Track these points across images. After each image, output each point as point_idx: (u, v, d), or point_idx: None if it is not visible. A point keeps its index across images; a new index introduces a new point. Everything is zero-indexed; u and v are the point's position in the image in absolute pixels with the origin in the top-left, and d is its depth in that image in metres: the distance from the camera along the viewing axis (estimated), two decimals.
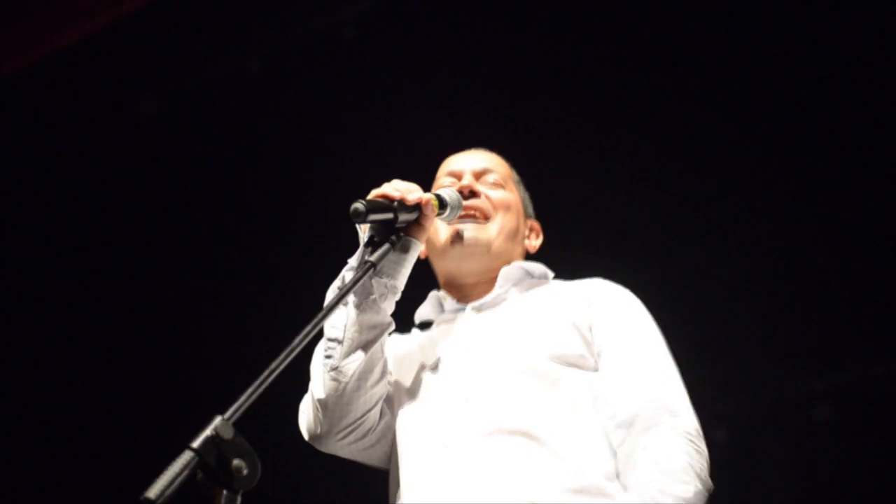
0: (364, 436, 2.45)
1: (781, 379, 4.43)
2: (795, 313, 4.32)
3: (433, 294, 2.75)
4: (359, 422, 2.42)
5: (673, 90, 4.33)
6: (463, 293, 2.70)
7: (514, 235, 2.73)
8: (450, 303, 2.70)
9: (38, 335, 5.48)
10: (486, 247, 2.65)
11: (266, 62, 4.88)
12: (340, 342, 2.37)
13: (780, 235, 4.33)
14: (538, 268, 2.73)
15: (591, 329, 2.48)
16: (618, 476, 2.27)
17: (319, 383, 2.40)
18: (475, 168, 2.76)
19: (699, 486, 2.20)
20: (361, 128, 4.77)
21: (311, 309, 2.03)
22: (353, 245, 2.45)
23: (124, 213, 5.31)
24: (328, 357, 2.38)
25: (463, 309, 2.65)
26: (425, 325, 2.76)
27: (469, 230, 2.64)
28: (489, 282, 2.67)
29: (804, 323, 4.31)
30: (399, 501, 2.39)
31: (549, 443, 2.28)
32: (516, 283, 2.68)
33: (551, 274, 2.75)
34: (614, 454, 2.30)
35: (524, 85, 4.52)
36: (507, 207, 2.71)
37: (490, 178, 2.76)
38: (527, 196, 2.88)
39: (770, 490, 4.32)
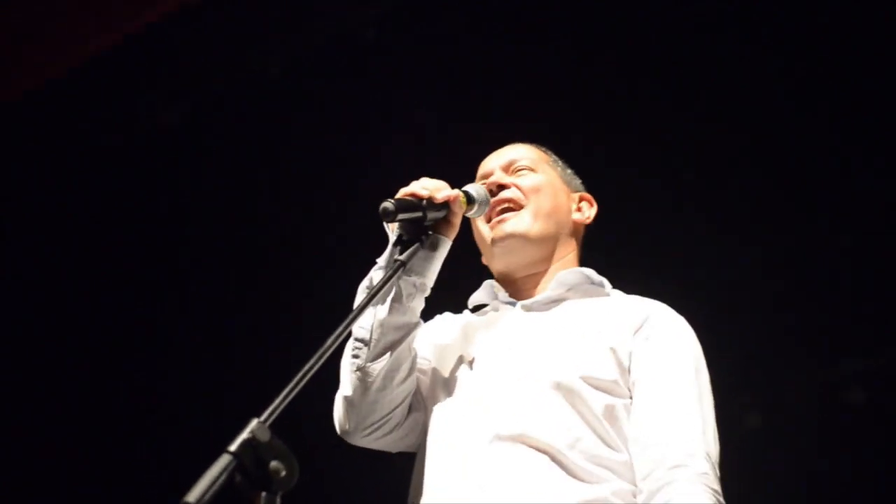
0: (391, 431, 2.46)
1: (814, 363, 4.42)
2: (828, 297, 4.30)
3: (487, 283, 2.69)
4: (385, 419, 2.43)
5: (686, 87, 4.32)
6: (516, 287, 2.65)
7: (553, 213, 2.64)
8: (503, 295, 2.64)
9: (70, 342, 5.52)
10: (524, 237, 2.59)
11: (285, 66, 4.89)
12: (367, 343, 2.38)
13: (812, 217, 4.32)
14: (596, 276, 2.63)
15: (630, 356, 2.40)
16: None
17: (347, 381, 2.42)
18: (502, 163, 2.72)
19: None
20: (383, 129, 4.78)
21: (341, 310, 2.05)
22: (379, 246, 2.45)
23: (152, 217, 5.34)
24: (355, 357, 2.40)
25: (514, 304, 2.60)
26: (477, 308, 2.72)
27: (503, 226, 2.59)
28: (541, 275, 2.62)
29: (837, 306, 4.30)
30: (412, 499, 2.41)
31: (556, 457, 2.25)
32: (572, 287, 2.59)
33: (608, 285, 2.64)
34: (629, 483, 2.27)
35: (546, 85, 4.51)
36: (537, 190, 2.64)
37: (518, 166, 2.70)
38: (568, 171, 2.79)
39: (804, 474, 4.32)
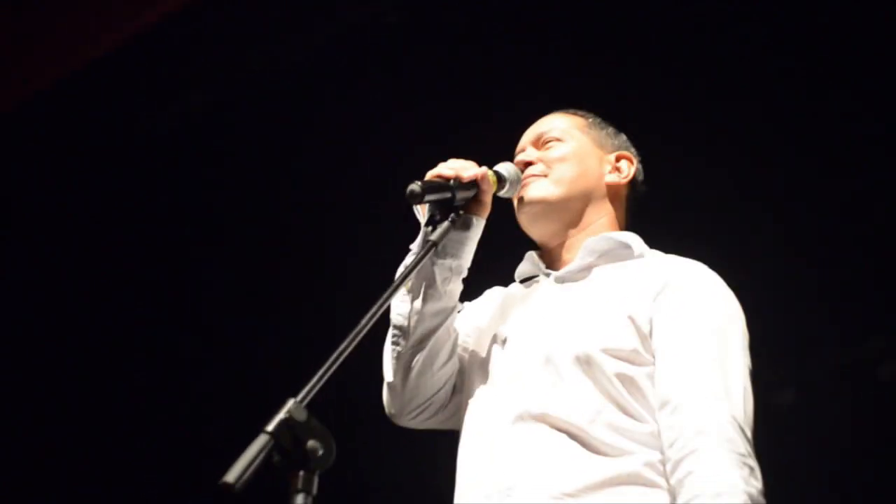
0: (436, 413, 2.48)
1: (847, 338, 4.40)
2: (860, 271, 4.28)
3: (529, 253, 2.64)
4: (428, 402, 2.45)
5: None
6: (552, 257, 2.60)
7: (579, 178, 2.56)
8: (542, 266, 2.60)
9: (107, 324, 5.57)
10: (544, 202, 2.53)
11: (309, 52, 4.89)
12: (405, 330, 2.39)
13: (846, 193, 4.29)
14: (629, 238, 2.54)
15: (650, 322, 2.32)
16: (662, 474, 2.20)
17: (388, 368, 2.44)
18: (531, 138, 2.67)
19: None
20: (408, 113, 4.78)
21: (375, 295, 2.05)
22: (411, 232, 2.45)
23: (187, 203, 5.37)
24: (395, 344, 2.41)
25: (549, 275, 2.56)
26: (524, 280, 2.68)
27: (523, 192, 2.55)
28: (572, 243, 2.56)
29: (869, 281, 4.28)
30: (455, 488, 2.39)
31: (576, 434, 2.23)
32: (602, 254, 2.51)
33: (645, 248, 2.55)
34: (659, 452, 2.21)
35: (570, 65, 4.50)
36: (561, 159, 2.58)
37: (546, 138, 2.64)
38: (605, 133, 2.69)
39: (838, 450, 4.31)
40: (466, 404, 2.44)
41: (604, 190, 2.62)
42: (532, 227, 2.59)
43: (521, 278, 2.67)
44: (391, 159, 4.44)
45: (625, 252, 2.52)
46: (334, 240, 5.09)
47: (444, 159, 2.43)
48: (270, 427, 1.67)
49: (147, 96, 5.08)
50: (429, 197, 2.29)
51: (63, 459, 5.53)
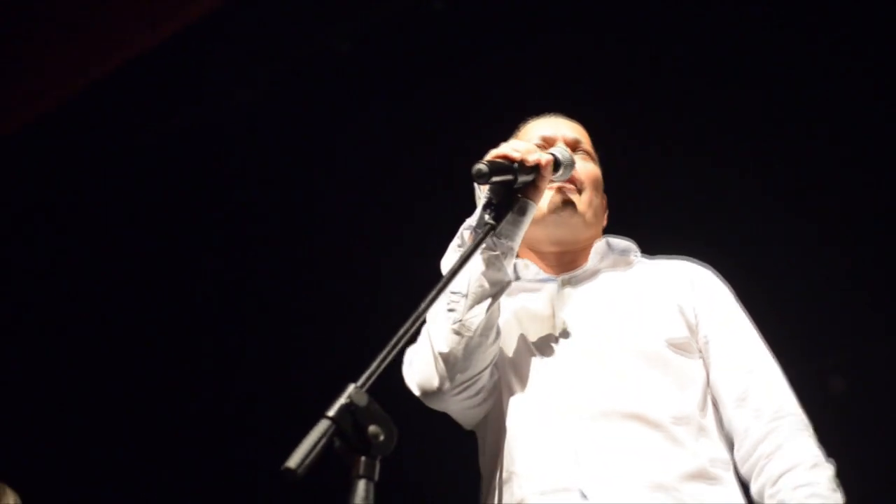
0: (477, 393, 2.43)
1: None
2: None
3: (523, 260, 2.65)
4: (476, 377, 2.39)
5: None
6: (546, 262, 2.63)
7: (599, 210, 2.67)
8: (533, 270, 2.61)
9: (163, 314, 5.62)
10: (582, 217, 2.59)
11: (355, 42, 4.89)
12: (465, 295, 2.34)
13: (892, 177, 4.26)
14: (622, 242, 2.67)
15: (695, 312, 2.46)
16: (735, 468, 2.32)
17: (442, 337, 2.36)
18: (567, 137, 2.67)
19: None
20: (454, 102, 4.77)
21: (432, 278, 2.04)
22: (462, 217, 2.44)
23: (231, 196, 5.40)
24: (451, 310, 2.36)
25: (551, 280, 2.59)
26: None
27: (569, 196, 2.57)
28: (575, 253, 2.61)
29: None
30: (506, 483, 2.37)
31: (663, 427, 2.27)
32: (603, 258, 2.63)
33: (637, 250, 2.69)
34: (728, 443, 2.34)
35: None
36: (596, 183, 2.65)
37: (581, 148, 2.68)
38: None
39: (889, 438, 4.27)
40: (507, 401, 2.43)
41: (603, 224, 2.73)
42: (558, 228, 2.59)
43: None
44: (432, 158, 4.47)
45: (620, 257, 2.65)
46: (372, 238, 5.10)
47: (481, 156, 2.42)
48: (332, 412, 1.67)
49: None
50: (494, 178, 2.27)
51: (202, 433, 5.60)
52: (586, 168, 2.63)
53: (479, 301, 2.34)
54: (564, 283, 2.57)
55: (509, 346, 2.50)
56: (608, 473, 2.22)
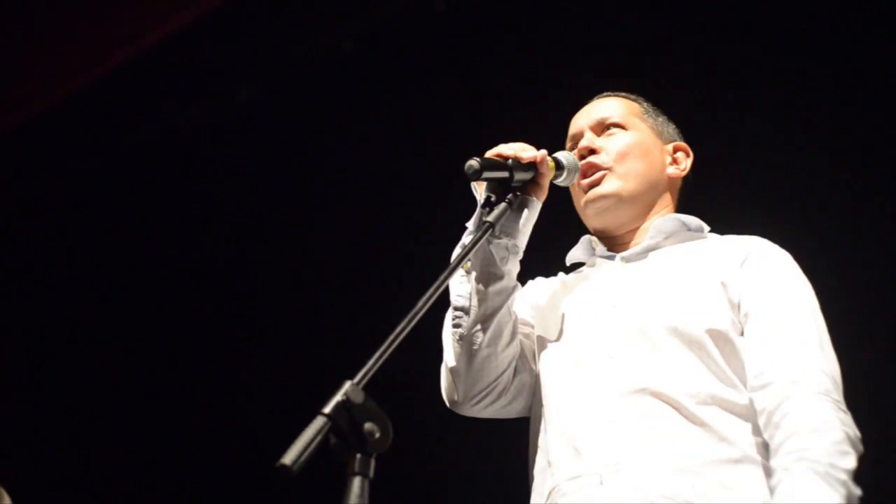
0: (498, 398, 2.43)
1: None
2: None
3: (585, 237, 2.67)
4: (492, 385, 2.40)
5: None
6: (614, 242, 2.61)
7: (646, 174, 2.58)
8: (601, 249, 2.61)
9: (169, 311, 5.62)
10: (616, 197, 2.54)
11: (359, 41, 4.89)
12: (467, 311, 2.36)
13: None
14: (693, 220, 2.58)
15: (739, 289, 2.35)
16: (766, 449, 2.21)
17: (450, 352, 2.40)
18: (591, 122, 2.64)
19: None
20: (457, 100, 4.76)
21: (430, 277, 2.03)
22: (462, 216, 2.44)
23: (240, 194, 5.39)
24: (456, 326, 2.38)
25: (612, 257, 2.57)
26: (572, 269, 2.69)
27: (595, 189, 2.54)
28: (633, 232, 2.59)
29: None
30: (545, 457, 2.36)
31: (692, 408, 2.23)
32: (669, 235, 2.55)
33: (707, 228, 2.60)
34: (762, 427, 2.23)
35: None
36: (625, 153, 2.57)
37: (608, 123, 2.63)
38: (661, 122, 2.70)
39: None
40: (545, 383, 2.42)
41: (666, 182, 2.64)
42: (598, 219, 2.59)
43: (572, 262, 2.69)
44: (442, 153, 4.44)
45: (688, 233, 2.56)
46: (380, 231, 5.09)
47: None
48: (327, 409, 1.66)
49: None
50: (487, 174, 2.27)
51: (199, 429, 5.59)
52: (614, 144, 2.59)
53: (482, 315, 2.36)
54: (623, 260, 2.54)
55: (551, 326, 2.48)
56: (629, 457, 2.19)
